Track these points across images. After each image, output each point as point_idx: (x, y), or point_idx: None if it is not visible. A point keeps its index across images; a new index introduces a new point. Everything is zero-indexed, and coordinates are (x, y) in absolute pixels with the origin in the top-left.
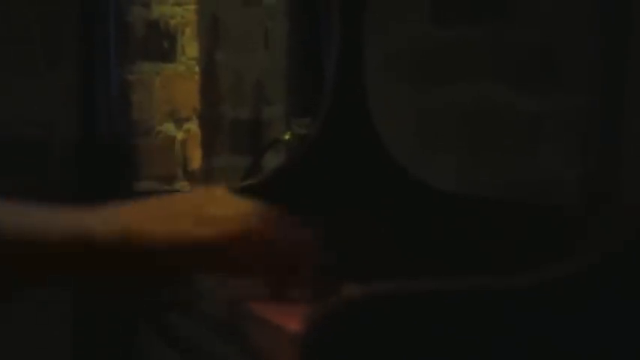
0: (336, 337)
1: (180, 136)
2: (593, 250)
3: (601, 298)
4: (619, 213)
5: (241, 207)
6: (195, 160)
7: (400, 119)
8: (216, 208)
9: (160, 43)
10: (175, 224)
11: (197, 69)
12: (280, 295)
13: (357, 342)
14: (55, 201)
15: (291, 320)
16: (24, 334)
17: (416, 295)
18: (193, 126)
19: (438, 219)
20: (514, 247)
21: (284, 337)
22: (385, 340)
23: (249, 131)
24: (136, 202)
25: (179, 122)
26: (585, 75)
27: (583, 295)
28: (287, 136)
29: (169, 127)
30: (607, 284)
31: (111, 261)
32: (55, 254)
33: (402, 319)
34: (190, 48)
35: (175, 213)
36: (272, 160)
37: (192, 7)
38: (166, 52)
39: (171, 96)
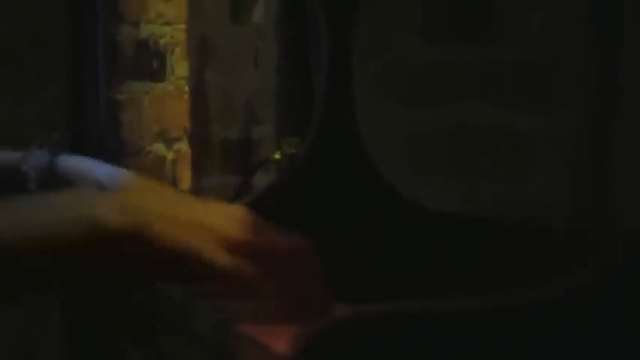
0: (325, 358)
1: (170, 156)
2: (587, 268)
3: (598, 315)
4: (610, 229)
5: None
6: (186, 180)
7: (391, 138)
8: (233, 231)
9: (150, 63)
10: (189, 235)
11: (186, 89)
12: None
13: None
14: None
15: (281, 341)
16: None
17: (406, 316)
18: (183, 146)
19: (429, 239)
20: (507, 267)
21: (273, 357)
22: None
23: (239, 151)
24: (152, 191)
25: (169, 142)
26: (576, 95)
27: (581, 311)
28: (277, 156)
29: (159, 147)
30: (604, 300)
31: (118, 253)
32: (65, 242)
33: (392, 341)
34: (180, 68)
35: (196, 224)
36: (262, 180)
37: (182, 26)
38: (155, 72)
39: (161, 116)
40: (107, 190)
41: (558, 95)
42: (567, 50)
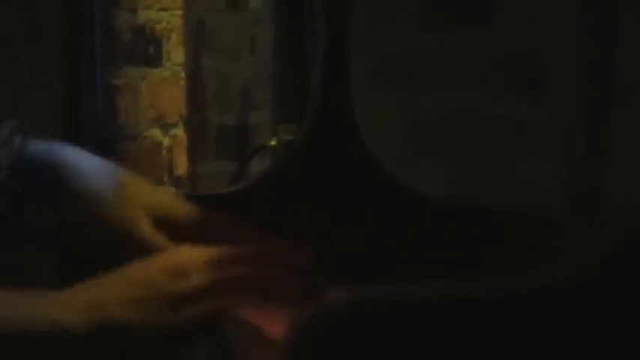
0: (320, 342)
1: (166, 141)
2: (580, 255)
3: (590, 302)
4: (604, 217)
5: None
6: (182, 165)
7: (387, 125)
8: (182, 280)
9: (146, 48)
10: (149, 310)
11: (183, 74)
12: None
13: (342, 347)
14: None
15: (275, 325)
16: None
17: (402, 300)
18: (179, 131)
19: (424, 225)
20: (500, 252)
21: (267, 341)
22: (370, 346)
23: (235, 137)
24: (101, 280)
25: (165, 128)
26: (570, 82)
27: (572, 298)
28: (273, 142)
29: (155, 133)
30: (596, 288)
31: (86, 348)
32: (26, 347)
33: (387, 324)
34: (176, 53)
35: (142, 297)
36: (258, 166)
37: (179, 12)
38: (152, 58)
39: (157, 101)
40: (89, 180)
41: (553, 83)
42: (562, 39)
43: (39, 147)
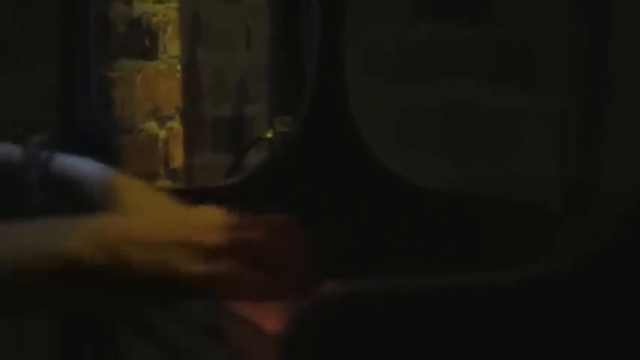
0: (316, 335)
1: (162, 134)
2: (574, 246)
3: (584, 293)
4: (598, 208)
5: (225, 221)
6: (178, 158)
7: (382, 116)
8: (204, 234)
9: (142, 41)
10: (165, 255)
11: (179, 67)
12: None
13: (337, 340)
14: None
15: (271, 319)
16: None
17: (396, 292)
18: (176, 124)
19: (419, 217)
20: (495, 244)
21: (264, 336)
22: (365, 338)
23: (231, 129)
24: (123, 218)
25: (161, 120)
26: (565, 74)
27: (567, 290)
28: (269, 134)
29: (152, 126)
30: (590, 279)
31: (97, 282)
32: (41, 277)
33: (382, 317)
34: (172, 46)
35: (165, 241)
36: (254, 158)
37: (175, 4)
38: (148, 50)
39: (153, 94)
40: (93, 191)
41: (548, 76)
42: (557, 32)
43: (60, 161)
